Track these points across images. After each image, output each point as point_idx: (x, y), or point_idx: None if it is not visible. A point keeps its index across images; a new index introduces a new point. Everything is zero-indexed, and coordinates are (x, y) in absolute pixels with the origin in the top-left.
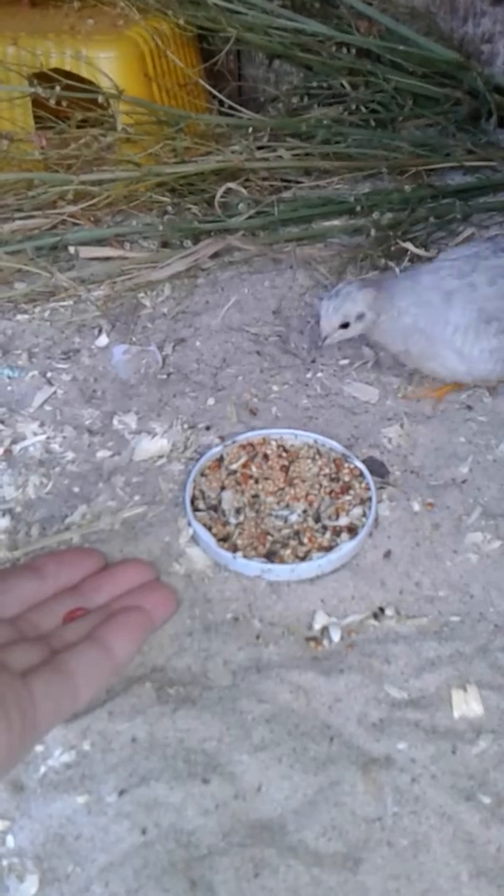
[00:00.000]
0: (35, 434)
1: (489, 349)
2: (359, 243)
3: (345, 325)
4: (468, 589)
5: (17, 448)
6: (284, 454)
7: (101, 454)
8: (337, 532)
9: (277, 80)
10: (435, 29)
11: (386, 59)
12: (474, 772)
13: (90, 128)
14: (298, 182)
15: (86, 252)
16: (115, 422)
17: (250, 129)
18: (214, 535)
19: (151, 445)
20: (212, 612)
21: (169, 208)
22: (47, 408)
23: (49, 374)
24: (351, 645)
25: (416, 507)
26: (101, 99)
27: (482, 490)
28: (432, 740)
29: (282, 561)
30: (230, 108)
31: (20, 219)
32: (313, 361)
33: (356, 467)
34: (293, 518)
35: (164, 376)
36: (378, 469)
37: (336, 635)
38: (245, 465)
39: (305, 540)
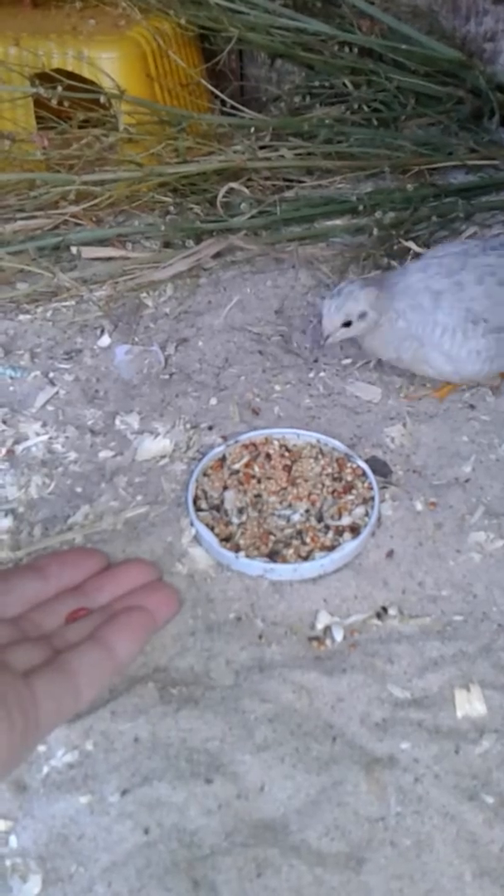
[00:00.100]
0: (37, 434)
1: (476, 349)
2: (361, 243)
3: (347, 324)
4: (471, 588)
5: (19, 448)
6: (287, 454)
7: (104, 454)
8: (339, 532)
9: (279, 79)
10: (437, 28)
11: (388, 58)
12: (477, 771)
13: (92, 128)
14: (301, 181)
15: (88, 252)
16: (117, 422)
17: (252, 129)
18: (217, 535)
19: (154, 445)
20: (214, 611)
21: (171, 208)
22: (50, 408)
23: (51, 375)
24: (354, 645)
25: (419, 506)
26: (102, 99)
27: (485, 489)
28: (435, 740)
29: (284, 561)
30: (232, 107)
31: (22, 219)
32: (315, 361)
33: (359, 467)
34: (296, 518)
35: (167, 376)
36: (381, 468)
37: (339, 635)
38: (247, 465)
39: (308, 539)
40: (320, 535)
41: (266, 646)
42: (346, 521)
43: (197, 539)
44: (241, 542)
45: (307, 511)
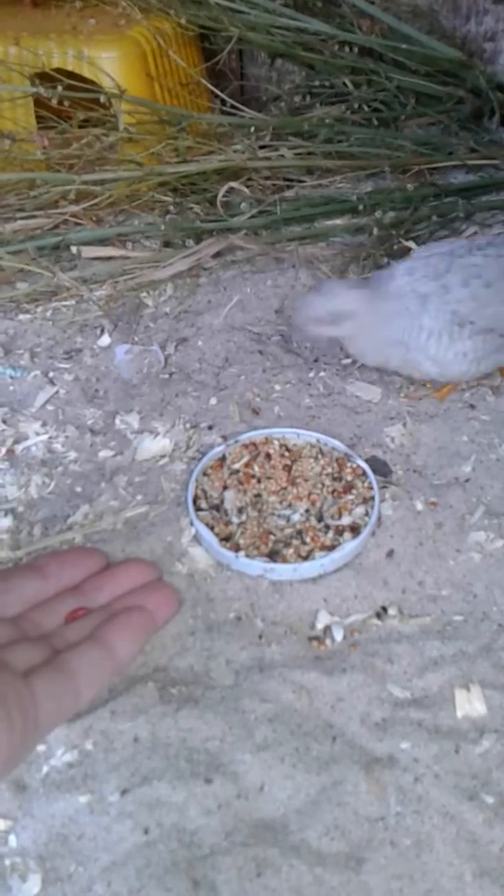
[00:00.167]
0: (37, 434)
1: (463, 352)
2: (361, 242)
3: (325, 321)
4: (471, 588)
5: (19, 448)
6: (287, 453)
7: (104, 454)
8: (339, 531)
9: (279, 79)
10: (437, 27)
11: (388, 57)
12: (477, 771)
13: (92, 127)
14: (301, 181)
15: (88, 252)
16: (117, 421)
17: (252, 129)
18: (217, 535)
19: (154, 445)
20: (214, 611)
21: (171, 208)
22: (49, 407)
23: (51, 374)
24: (354, 644)
25: (419, 506)
26: (103, 99)
27: (485, 489)
28: (435, 740)
29: (284, 560)
30: (232, 107)
31: (22, 218)
32: (316, 361)
33: (359, 466)
34: (296, 517)
35: (167, 376)
36: (381, 468)
37: (339, 635)
38: (247, 465)
39: (308, 539)
40: (320, 534)
41: (266, 645)
42: (346, 520)
43: (197, 539)
44: (241, 541)
45: (307, 511)
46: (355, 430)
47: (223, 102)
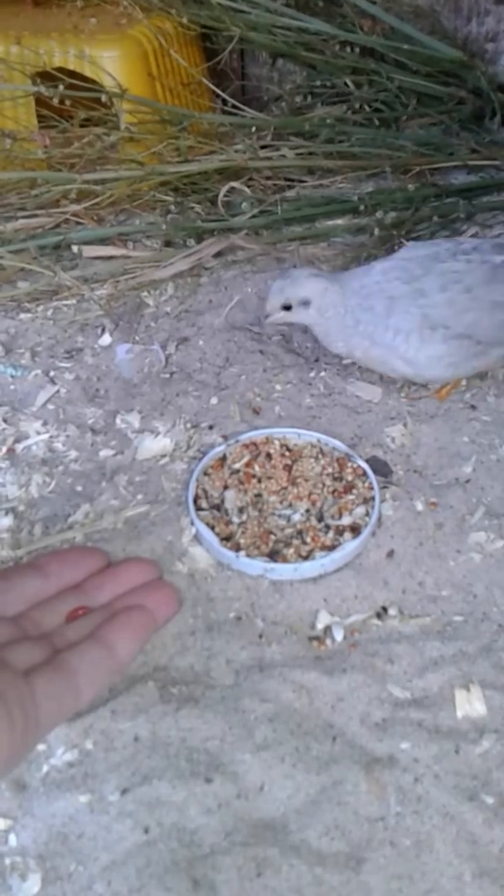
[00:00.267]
0: (38, 433)
1: (437, 355)
2: (362, 242)
3: (287, 308)
4: (471, 588)
5: (20, 447)
6: (287, 453)
7: (104, 453)
8: (340, 531)
9: (281, 79)
10: (439, 28)
11: (390, 57)
12: (477, 772)
13: (93, 127)
14: (302, 181)
15: (89, 251)
16: (118, 421)
17: (254, 128)
18: (217, 535)
19: (154, 444)
20: (214, 611)
21: (172, 207)
22: (50, 407)
23: (52, 373)
24: (354, 644)
25: (420, 506)
26: (104, 98)
27: (486, 490)
28: (435, 740)
29: (285, 560)
30: (233, 107)
31: (23, 217)
32: (316, 360)
33: (359, 466)
34: (296, 517)
35: (167, 375)
36: (381, 468)
37: (339, 635)
38: (248, 465)
39: (308, 539)
40: (321, 534)
41: (266, 645)
42: (346, 520)
43: (197, 538)
44: (242, 541)
45: (307, 511)
46: (356, 430)
47: (224, 102)
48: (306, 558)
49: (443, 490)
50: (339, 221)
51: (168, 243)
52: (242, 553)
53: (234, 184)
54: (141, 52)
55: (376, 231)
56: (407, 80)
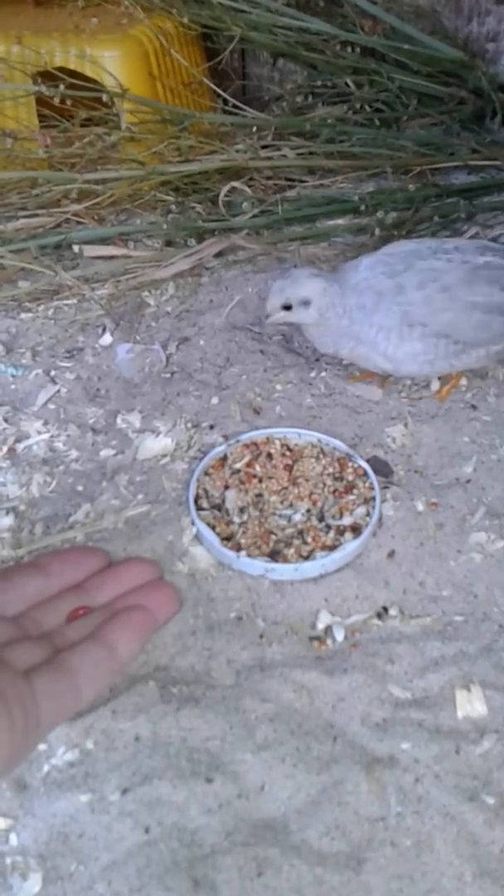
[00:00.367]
0: (39, 432)
1: (413, 353)
2: (363, 242)
3: (287, 308)
4: (472, 589)
5: (20, 446)
6: (288, 453)
7: (105, 453)
8: (340, 531)
9: (282, 78)
10: (440, 28)
11: (390, 57)
12: (478, 772)
13: (94, 126)
14: (302, 181)
15: (90, 251)
16: (118, 420)
17: (254, 128)
18: (218, 535)
19: (155, 444)
20: (215, 611)
21: (173, 207)
22: (51, 406)
23: (53, 373)
24: (354, 644)
25: (420, 506)
26: (105, 98)
27: (486, 490)
28: (436, 740)
29: (285, 560)
30: (234, 106)
31: (24, 217)
32: (317, 360)
33: (360, 466)
34: (297, 517)
35: (168, 375)
36: (382, 468)
37: (339, 635)
38: (249, 465)
39: (309, 539)
40: (321, 534)
41: (267, 645)
42: (347, 520)
43: (198, 538)
44: (243, 541)
45: (308, 511)
46: (356, 430)
47: (225, 102)
48: (307, 558)
49: (443, 490)
50: (340, 221)
51: (169, 243)
52: (243, 553)
53: (235, 184)
54: (142, 52)
55: (377, 231)
56: (408, 80)
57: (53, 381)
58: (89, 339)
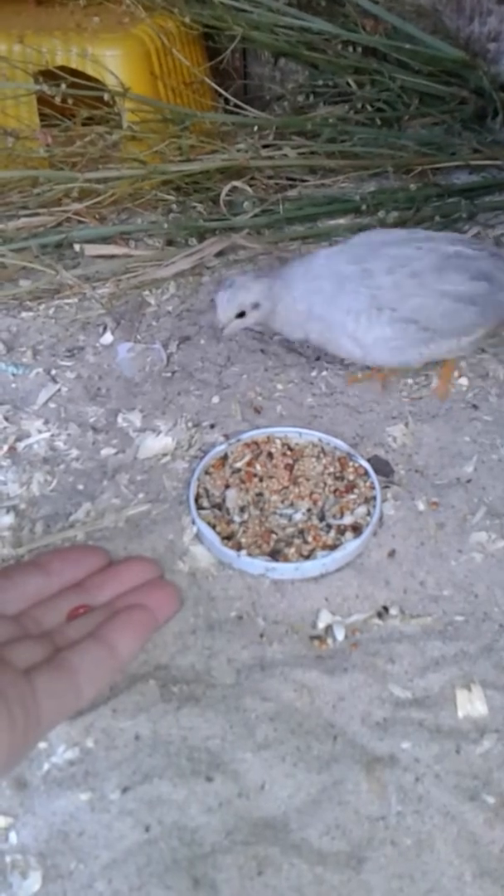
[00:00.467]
0: (39, 431)
1: (383, 337)
2: None
3: (241, 315)
4: (473, 588)
5: (21, 445)
6: (289, 452)
7: (106, 452)
8: (341, 531)
9: (283, 78)
10: (441, 27)
11: (392, 57)
12: (478, 771)
13: (95, 126)
14: (304, 180)
15: (91, 250)
16: (119, 419)
17: (256, 128)
18: (219, 534)
19: (156, 443)
20: (216, 610)
21: (174, 206)
22: (52, 405)
23: (54, 372)
24: (355, 644)
25: (421, 506)
26: (106, 97)
27: (487, 489)
28: (436, 740)
29: (286, 559)
30: (236, 106)
31: (25, 216)
32: (318, 359)
33: (361, 466)
34: (297, 517)
35: (169, 374)
36: (383, 468)
37: (340, 634)
38: (249, 464)
39: (310, 538)
40: (322, 534)
41: (267, 644)
42: (347, 520)
43: (198, 537)
44: (243, 540)
45: (309, 510)
46: (357, 429)
47: (226, 101)
48: (307, 558)
49: (444, 490)
50: (341, 221)
51: (170, 242)
52: (244, 552)
53: (236, 183)
54: (143, 51)
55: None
56: (409, 80)
57: (54, 379)
58: (90, 338)
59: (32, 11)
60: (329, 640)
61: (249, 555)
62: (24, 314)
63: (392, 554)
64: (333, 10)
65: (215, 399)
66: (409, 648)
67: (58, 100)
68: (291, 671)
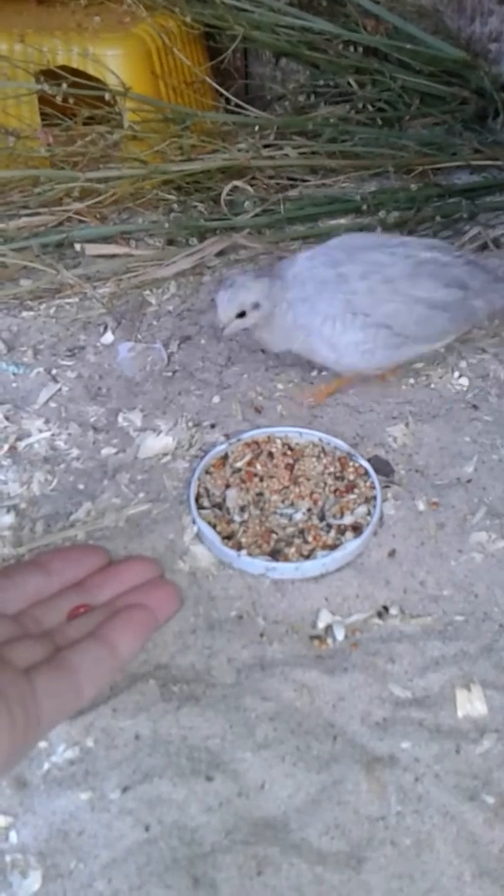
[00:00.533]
0: (40, 431)
1: (354, 342)
2: None
3: (241, 315)
4: (473, 588)
5: (22, 445)
6: (289, 452)
7: (106, 451)
8: (341, 531)
9: (284, 78)
10: (442, 27)
11: (393, 57)
12: (478, 771)
13: (96, 125)
14: (304, 180)
15: (91, 249)
16: (120, 419)
17: (257, 128)
18: (219, 533)
19: (156, 443)
20: (216, 609)
21: (175, 206)
22: (52, 405)
23: (54, 371)
24: (355, 644)
25: (421, 506)
26: (107, 96)
27: (487, 489)
28: (436, 739)
29: (286, 559)
30: (237, 106)
31: (26, 215)
32: None
33: (361, 466)
34: (298, 516)
35: (170, 374)
36: (383, 468)
37: (340, 634)
38: (250, 464)
39: (310, 538)
40: (322, 533)
41: (267, 644)
42: (348, 520)
43: (199, 537)
44: (243, 540)
45: (309, 510)
46: (357, 429)
47: (227, 101)
48: (308, 557)
49: (444, 490)
50: (342, 221)
51: (171, 242)
52: (244, 552)
53: (237, 183)
54: (144, 51)
55: (379, 231)
56: (410, 80)
57: (55, 379)
58: (91, 338)
59: (33, 11)
60: (329, 640)
61: (250, 554)
62: (24, 313)
63: (392, 554)
64: (334, 10)
65: (216, 399)
66: (409, 648)
67: (59, 99)
68: (291, 671)
